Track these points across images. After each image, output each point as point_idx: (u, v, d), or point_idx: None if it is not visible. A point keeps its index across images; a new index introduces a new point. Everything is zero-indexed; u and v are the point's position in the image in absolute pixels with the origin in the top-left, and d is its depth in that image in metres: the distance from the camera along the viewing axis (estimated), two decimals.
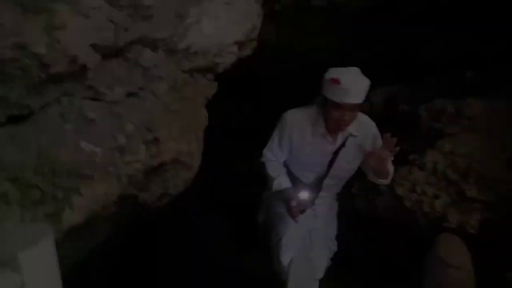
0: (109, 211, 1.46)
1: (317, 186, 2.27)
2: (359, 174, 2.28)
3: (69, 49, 0.96)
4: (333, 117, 2.00)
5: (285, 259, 2.37)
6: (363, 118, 2.17)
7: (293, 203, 2.10)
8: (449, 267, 2.06)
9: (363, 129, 2.15)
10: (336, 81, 1.92)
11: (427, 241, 2.20)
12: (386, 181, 2.23)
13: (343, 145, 2.14)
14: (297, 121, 2.16)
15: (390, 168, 2.18)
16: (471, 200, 2.24)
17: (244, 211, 3.27)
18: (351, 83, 1.92)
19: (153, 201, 1.68)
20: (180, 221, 3.27)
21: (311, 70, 2.32)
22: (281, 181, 2.23)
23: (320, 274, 2.42)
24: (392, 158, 2.16)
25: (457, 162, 2.32)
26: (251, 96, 4.44)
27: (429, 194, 2.29)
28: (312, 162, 2.23)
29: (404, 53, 3.73)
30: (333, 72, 1.97)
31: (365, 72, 2.00)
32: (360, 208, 2.78)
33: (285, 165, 2.31)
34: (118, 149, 1.15)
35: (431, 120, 2.63)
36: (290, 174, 2.30)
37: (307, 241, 2.38)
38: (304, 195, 2.13)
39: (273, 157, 2.27)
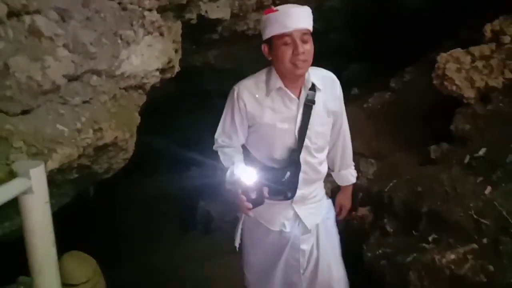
0: (73, 174, 2.24)
1: (293, 166, 1.80)
2: None
3: (51, 77, 1.56)
4: (286, 57, 1.64)
5: None
6: (327, 73, 1.90)
7: (239, 190, 1.66)
8: None
9: (329, 83, 1.87)
10: (271, 11, 1.63)
11: None
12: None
13: (312, 101, 1.76)
14: (248, 86, 1.83)
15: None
16: None
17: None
18: (290, 7, 1.65)
19: (103, 172, 2.32)
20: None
21: None
22: (233, 170, 1.75)
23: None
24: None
25: None
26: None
27: None
28: (278, 134, 1.79)
29: None
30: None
31: None
32: None
33: (248, 155, 1.91)
34: (77, 130, 1.73)
35: None
36: (254, 163, 1.85)
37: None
38: (247, 177, 1.63)
39: (227, 140, 1.89)
